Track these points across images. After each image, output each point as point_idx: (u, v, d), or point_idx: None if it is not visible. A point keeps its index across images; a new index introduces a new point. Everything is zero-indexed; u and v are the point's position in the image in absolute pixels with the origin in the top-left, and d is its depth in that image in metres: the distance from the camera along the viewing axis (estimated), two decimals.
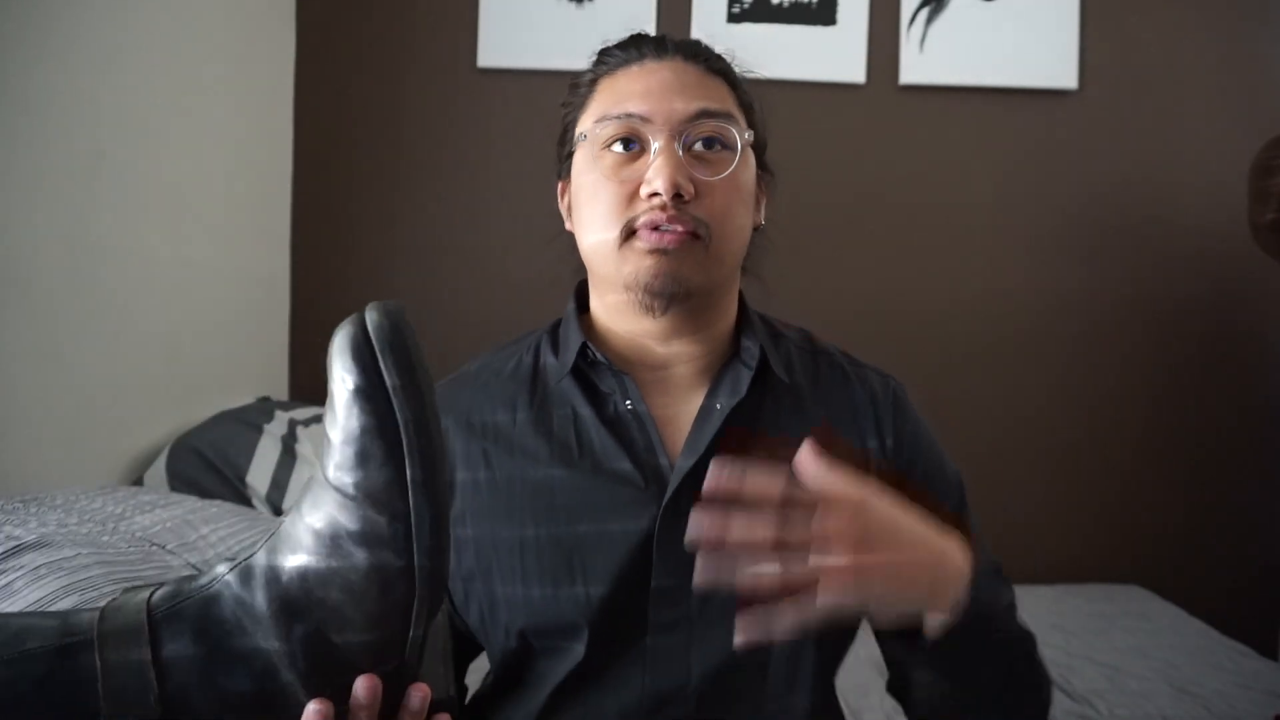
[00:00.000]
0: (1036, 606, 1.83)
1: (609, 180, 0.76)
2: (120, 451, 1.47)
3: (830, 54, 2.06)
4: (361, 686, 0.52)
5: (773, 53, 2.05)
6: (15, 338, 1.20)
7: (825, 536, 0.57)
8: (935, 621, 0.64)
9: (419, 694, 0.54)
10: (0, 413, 1.18)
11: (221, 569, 0.53)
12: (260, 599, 0.51)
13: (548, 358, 0.83)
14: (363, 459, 0.50)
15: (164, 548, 1.08)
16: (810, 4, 2.06)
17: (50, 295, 1.27)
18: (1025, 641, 0.76)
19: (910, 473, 0.82)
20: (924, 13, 2.06)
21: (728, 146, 0.76)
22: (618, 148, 0.76)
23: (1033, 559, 2.06)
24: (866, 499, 0.60)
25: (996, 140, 2.10)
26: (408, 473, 0.50)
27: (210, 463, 1.49)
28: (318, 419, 1.69)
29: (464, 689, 0.89)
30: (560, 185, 0.86)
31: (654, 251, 0.74)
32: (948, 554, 0.65)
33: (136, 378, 1.48)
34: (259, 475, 1.50)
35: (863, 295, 2.08)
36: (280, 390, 2.03)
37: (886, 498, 0.62)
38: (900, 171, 2.10)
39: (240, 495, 1.48)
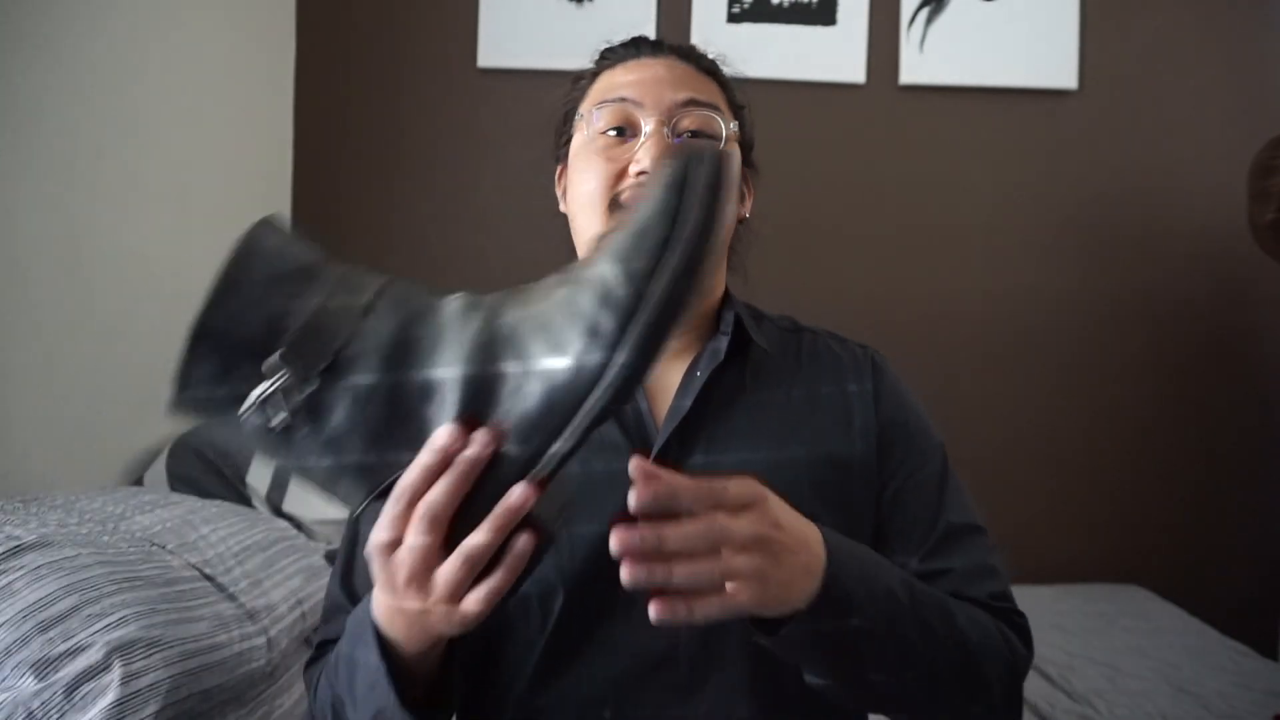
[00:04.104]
0: (1036, 606, 1.82)
1: (601, 159, 0.81)
2: (120, 451, 1.47)
3: (830, 54, 2.06)
4: (479, 434, 0.52)
5: (773, 53, 2.05)
6: (15, 338, 1.21)
7: (737, 540, 0.57)
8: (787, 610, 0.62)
9: (521, 493, 0.53)
10: (0, 413, 1.18)
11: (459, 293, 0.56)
12: (472, 325, 0.53)
13: None
14: (639, 239, 0.51)
15: (164, 548, 1.08)
16: (810, 4, 2.06)
17: (50, 295, 1.27)
18: (928, 615, 0.68)
19: (896, 425, 0.85)
20: (924, 13, 2.06)
21: (714, 137, 0.82)
22: (611, 132, 0.82)
23: (1033, 559, 2.06)
24: (766, 499, 0.60)
25: (996, 140, 2.10)
26: (661, 262, 0.50)
27: (210, 463, 1.49)
28: None
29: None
30: (559, 169, 0.91)
31: None
32: (810, 542, 0.62)
33: (136, 378, 1.48)
34: (259, 475, 1.50)
35: (862, 295, 2.08)
36: None
37: (775, 496, 0.61)
38: (900, 171, 2.10)
39: (240, 495, 1.48)
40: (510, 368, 0.53)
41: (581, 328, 0.51)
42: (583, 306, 0.52)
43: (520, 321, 0.54)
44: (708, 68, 0.87)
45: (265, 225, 0.57)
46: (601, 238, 0.54)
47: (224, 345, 0.52)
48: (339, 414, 0.53)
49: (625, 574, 0.54)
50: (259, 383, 0.52)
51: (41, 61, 1.25)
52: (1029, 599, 2.04)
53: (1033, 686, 1.45)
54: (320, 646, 0.83)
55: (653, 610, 0.54)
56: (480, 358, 0.53)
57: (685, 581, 0.55)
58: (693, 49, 0.88)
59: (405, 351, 0.54)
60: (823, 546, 0.63)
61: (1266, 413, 2.11)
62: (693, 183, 0.51)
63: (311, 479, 0.55)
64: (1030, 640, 0.79)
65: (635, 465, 0.55)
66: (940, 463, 0.85)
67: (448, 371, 0.53)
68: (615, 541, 0.54)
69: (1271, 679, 1.48)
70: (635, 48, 0.87)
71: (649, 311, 0.50)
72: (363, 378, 0.53)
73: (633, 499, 0.54)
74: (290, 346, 0.52)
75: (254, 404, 0.52)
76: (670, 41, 0.89)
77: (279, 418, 0.53)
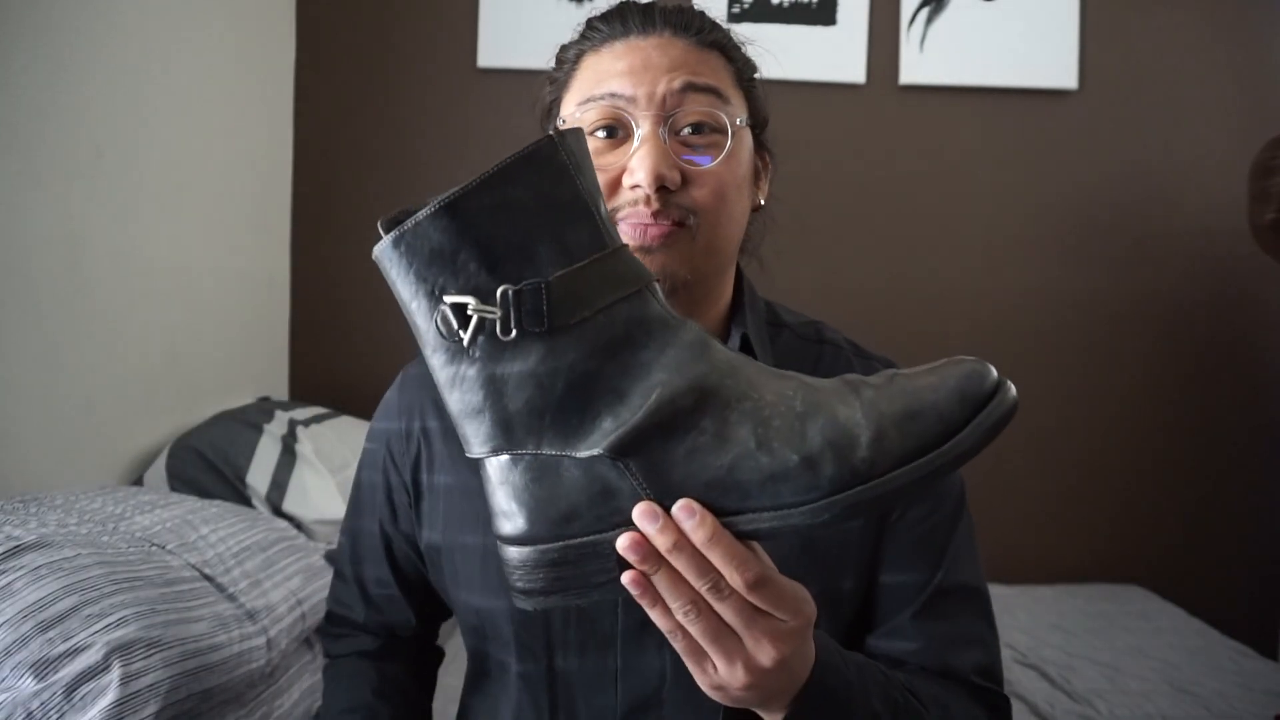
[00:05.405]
0: (1037, 606, 1.83)
1: None
2: (120, 451, 1.47)
3: (830, 54, 2.06)
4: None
5: (773, 53, 2.04)
6: (15, 338, 1.20)
7: (726, 611, 0.51)
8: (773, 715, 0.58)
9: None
10: (0, 413, 1.18)
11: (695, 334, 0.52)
12: (702, 359, 0.50)
13: None
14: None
15: (164, 548, 1.08)
16: (810, 4, 2.06)
17: (50, 295, 1.27)
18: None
19: None
20: (924, 13, 2.06)
21: (718, 130, 0.72)
22: (600, 134, 0.72)
23: (1033, 559, 2.06)
24: (761, 574, 0.50)
25: (996, 140, 2.10)
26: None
27: (210, 463, 1.49)
28: (318, 419, 1.69)
29: (441, 652, 0.91)
30: None
31: (636, 250, 0.70)
32: (796, 675, 0.55)
33: (136, 378, 1.48)
34: (259, 475, 1.50)
35: (862, 295, 2.08)
36: (280, 390, 2.03)
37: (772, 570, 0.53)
38: (900, 171, 2.10)
39: (240, 495, 1.48)
40: (707, 424, 0.48)
41: (803, 452, 0.48)
42: (816, 433, 0.48)
43: (753, 387, 0.50)
44: (711, 39, 0.76)
45: (572, 136, 0.51)
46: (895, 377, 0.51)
47: (461, 231, 0.47)
48: (521, 369, 0.48)
49: (620, 542, 0.49)
50: (470, 294, 0.48)
51: (42, 62, 1.25)
52: (1029, 599, 2.04)
53: (1033, 686, 1.45)
54: (334, 624, 0.85)
55: (626, 576, 0.50)
56: (695, 393, 0.48)
57: (662, 588, 0.50)
58: (691, 15, 0.76)
59: (623, 346, 0.49)
60: (803, 681, 0.56)
61: (1267, 413, 2.11)
62: (988, 414, 0.50)
63: (450, 398, 0.50)
64: None
65: (683, 505, 0.49)
66: (954, 508, 0.77)
67: (659, 377, 0.48)
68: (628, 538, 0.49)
69: (1271, 679, 1.48)
70: (623, 22, 0.75)
71: (869, 490, 0.48)
72: (570, 357, 0.48)
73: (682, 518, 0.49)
74: (530, 297, 0.47)
75: (456, 319, 0.48)
76: (665, 5, 0.77)
77: (466, 338, 0.48)
